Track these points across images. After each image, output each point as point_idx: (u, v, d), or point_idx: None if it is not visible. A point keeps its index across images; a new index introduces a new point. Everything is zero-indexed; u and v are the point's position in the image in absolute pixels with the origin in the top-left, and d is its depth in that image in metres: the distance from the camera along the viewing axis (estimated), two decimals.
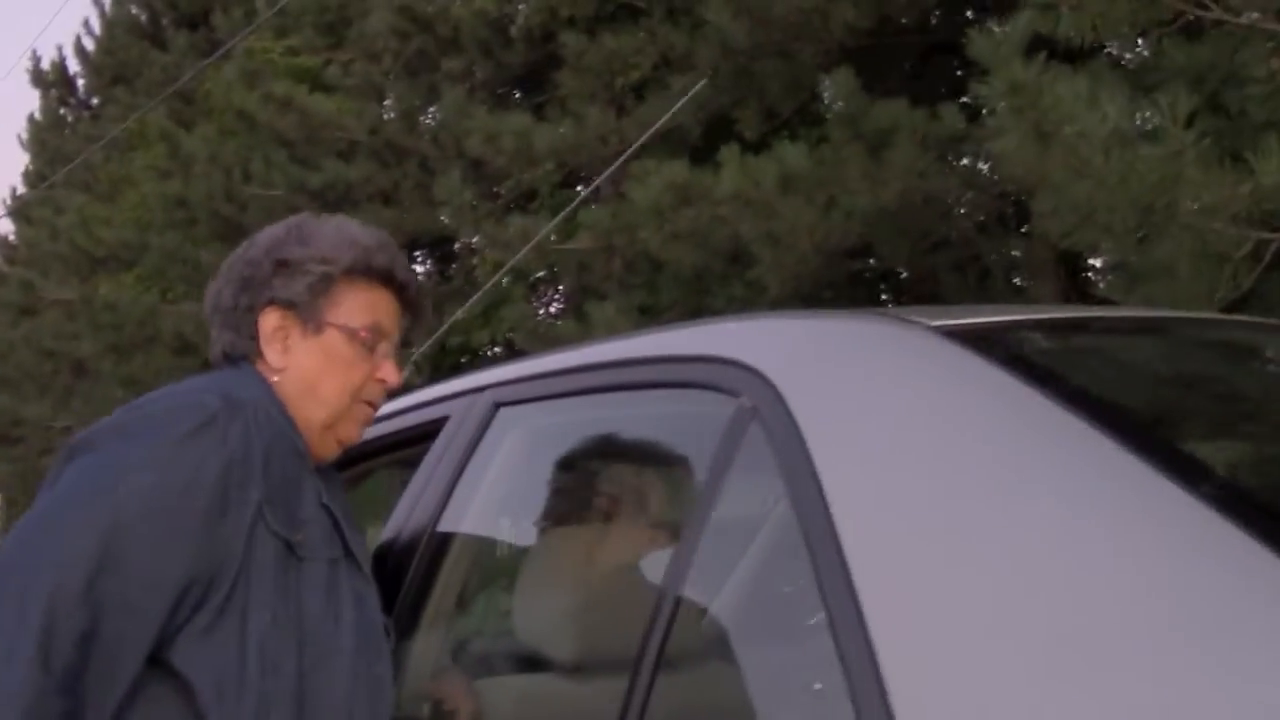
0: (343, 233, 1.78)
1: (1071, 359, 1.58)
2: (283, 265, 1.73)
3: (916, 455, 1.30)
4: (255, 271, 1.75)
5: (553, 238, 8.59)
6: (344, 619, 1.61)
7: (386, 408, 1.97)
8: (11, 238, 20.65)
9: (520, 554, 2.14)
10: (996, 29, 5.00)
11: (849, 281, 9.07)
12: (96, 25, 21.01)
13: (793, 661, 1.46)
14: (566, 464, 2.09)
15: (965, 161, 7.77)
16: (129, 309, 13.44)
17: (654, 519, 1.94)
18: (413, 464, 2.18)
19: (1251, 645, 1.00)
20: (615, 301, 8.65)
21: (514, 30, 10.74)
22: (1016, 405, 1.28)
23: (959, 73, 9.07)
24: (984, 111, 7.11)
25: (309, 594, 1.58)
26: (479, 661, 2.07)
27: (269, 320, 1.73)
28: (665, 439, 1.93)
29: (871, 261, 9.30)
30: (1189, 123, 4.60)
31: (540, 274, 12.05)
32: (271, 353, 1.73)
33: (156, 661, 1.49)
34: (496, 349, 12.43)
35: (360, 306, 1.76)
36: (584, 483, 2.07)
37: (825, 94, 9.90)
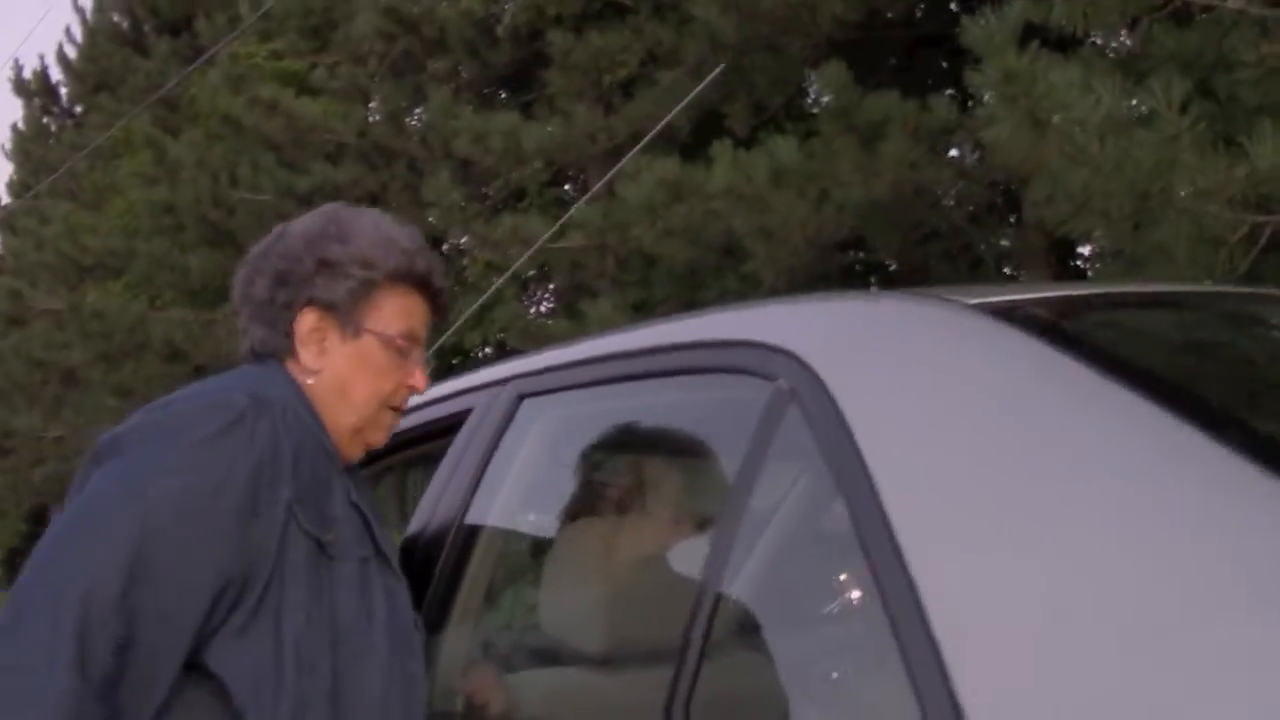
0: (383, 233, 1.74)
1: (1113, 333, 1.59)
2: (324, 265, 1.71)
3: (964, 433, 1.30)
4: (294, 267, 1.72)
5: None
6: (376, 618, 1.60)
7: None
8: None
9: (550, 547, 2.13)
10: (989, 18, 5.00)
11: (841, 274, 9.08)
12: (78, 33, 20.91)
13: (844, 647, 1.47)
14: (595, 454, 2.08)
15: (955, 152, 7.78)
16: (118, 317, 13.39)
17: (689, 507, 1.94)
18: (435, 458, 2.18)
19: None
20: (609, 299, 8.65)
21: (500, 30, 10.72)
22: (1064, 380, 1.29)
23: (945, 65, 9.11)
24: (975, 102, 7.14)
25: (341, 593, 1.58)
26: (509, 655, 2.06)
27: (307, 320, 1.71)
28: (698, 426, 1.93)
29: (863, 254, 9.32)
30: (1183, 108, 4.62)
31: (530, 273, 12.03)
32: (307, 353, 1.71)
33: (191, 664, 1.49)
34: (488, 349, 12.42)
35: (398, 313, 1.74)
36: (614, 473, 2.07)
37: (812, 88, 9.93)
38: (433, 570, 1.97)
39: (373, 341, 1.72)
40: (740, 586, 1.57)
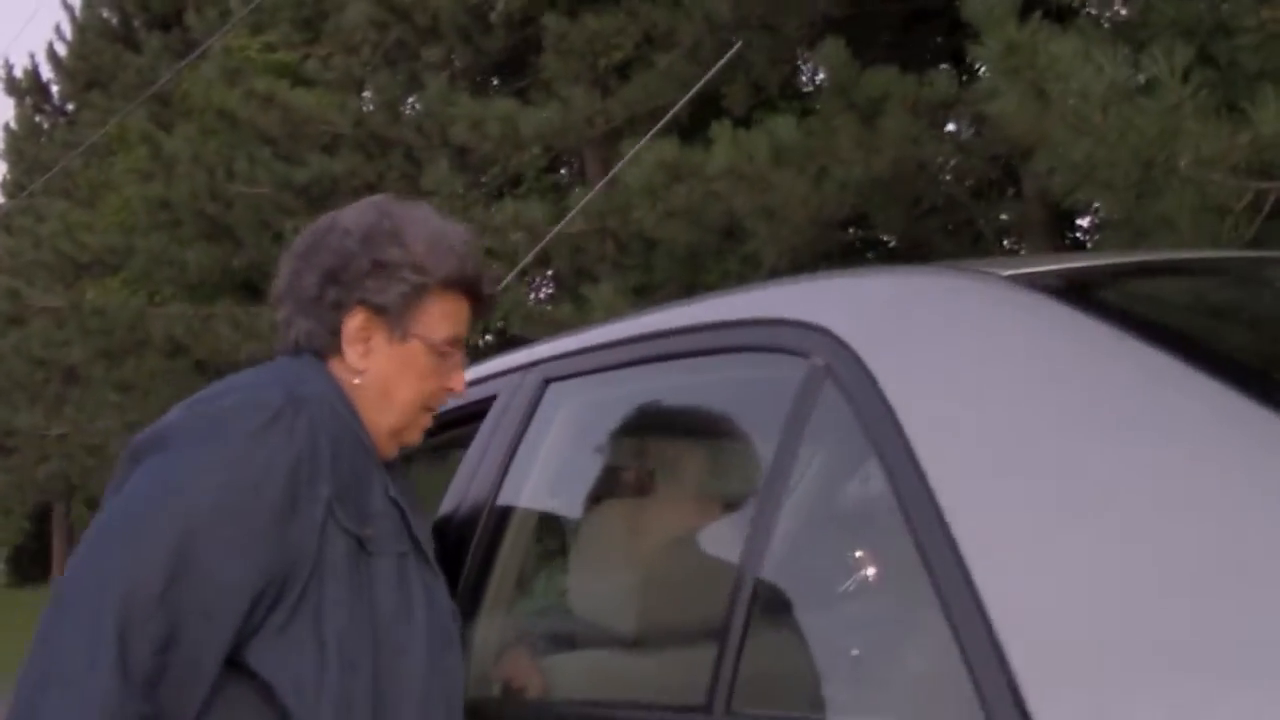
0: (437, 236, 1.72)
1: (1149, 299, 1.59)
2: (379, 266, 1.68)
3: (1005, 404, 1.31)
4: (348, 264, 1.69)
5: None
6: (415, 613, 1.60)
7: None
8: None
9: (583, 532, 2.13)
10: None
11: (842, 252, 9.08)
12: (68, 30, 20.86)
13: (891, 624, 1.47)
14: (625, 437, 2.08)
15: (955, 127, 7.78)
16: (117, 313, 13.38)
17: (725, 486, 1.94)
18: (459, 445, 2.18)
19: None
20: (610, 282, 8.65)
21: (494, 16, 10.70)
22: (1103, 349, 1.29)
23: (942, 39, 9.10)
24: (972, 76, 7.12)
25: (381, 590, 1.57)
26: (544, 640, 2.07)
27: (355, 320, 1.69)
28: (730, 405, 1.93)
29: (864, 231, 9.31)
30: (1185, 76, 4.61)
31: (527, 259, 12.02)
32: (353, 353, 1.69)
33: (232, 663, 1.49)
34: (488, 337, 12.42)
35: (444, 317, 1.73)
36: (646, 455, 2.07)
37: (808, 67, 9.91)
38: (464, 556, 1.97)
39: (419, 346, 1.71)
40: (782, 565, 1.57)
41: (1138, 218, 5.34)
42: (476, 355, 2.21)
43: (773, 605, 1.57)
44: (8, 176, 21.80)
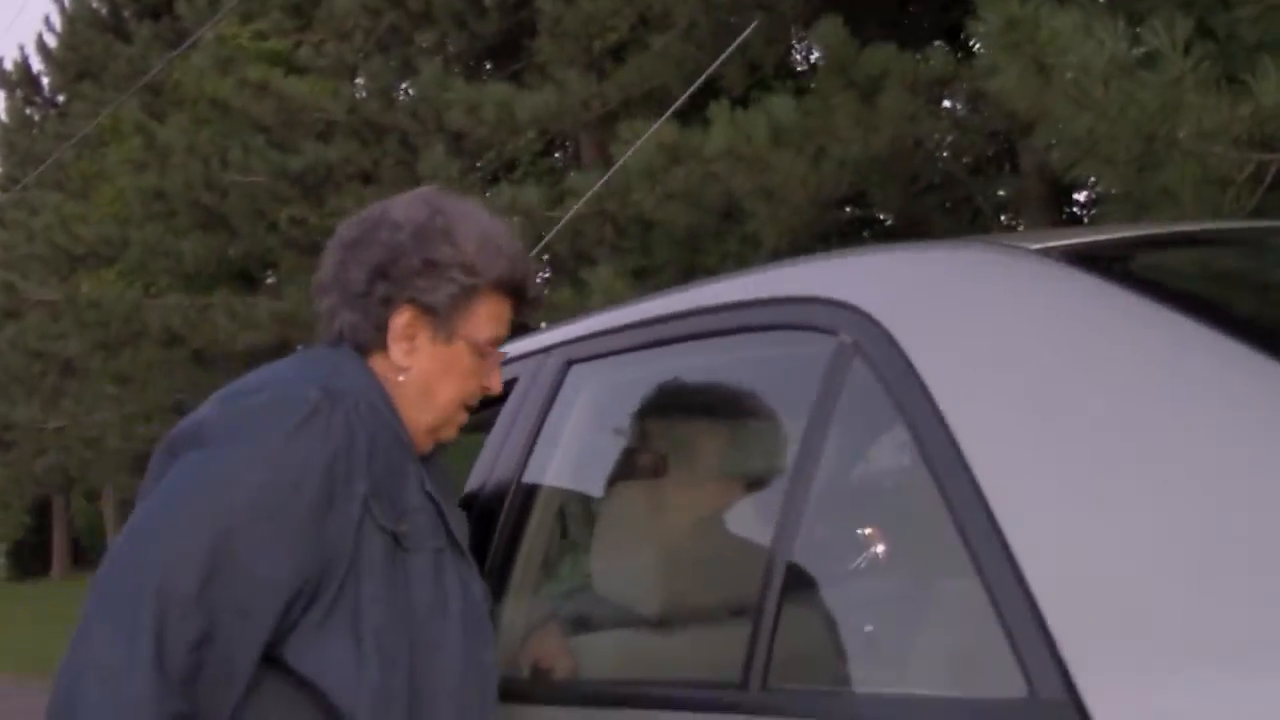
0: (487, 236, 1.71)
1: (1177, 270, 1.60)
2: (430, 265, 1.67)
3: (1039, 376, 1.31)
4: (398, 260, 1.68)
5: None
6: (451, 609, 1.60)
7: None
8: None
9: (611, 513, 2.13)
10: None
11: (841, 231, 9.08)
12: (57, 22, 20.78)
13: (931, 599, 1.48)
14: (651, 418, 2.08)
15: (954, 104, 7.77)
16: (114, 305, 13.35)
17: (755, 465, 1.94)
18: (481, 429, 2.19)
19: None
20: (609, 266, 8.64)
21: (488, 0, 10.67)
22: (1135, 319, 1.30)
23: (937, 15, 9.08)
24: (968, 52, 7.11)
25: (416, 586, 1.57)
26: (573, 621, 2.07)
27: (402, 317, 1.68)
28: (757, 384, 1.93)
29: (864, 209, 9.31)
30: (1186, 49, 4.61)
31: (538, 248, 12.02)
32: (398, 350, 1.69)
33: (269, 659, 1.49)
34: None
35: (490, 319, 1.73)
36: (672, 435, 2.07)
37: (802, 45, 9.89)
38: (489, 540, 1.97)
39: (464, 347, 1.71)
40: (814, 542, 1.58)
41: (1139, 191, 5.34)
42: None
43: (806, 582, 1.58)
44: (0, 170, 21.73)
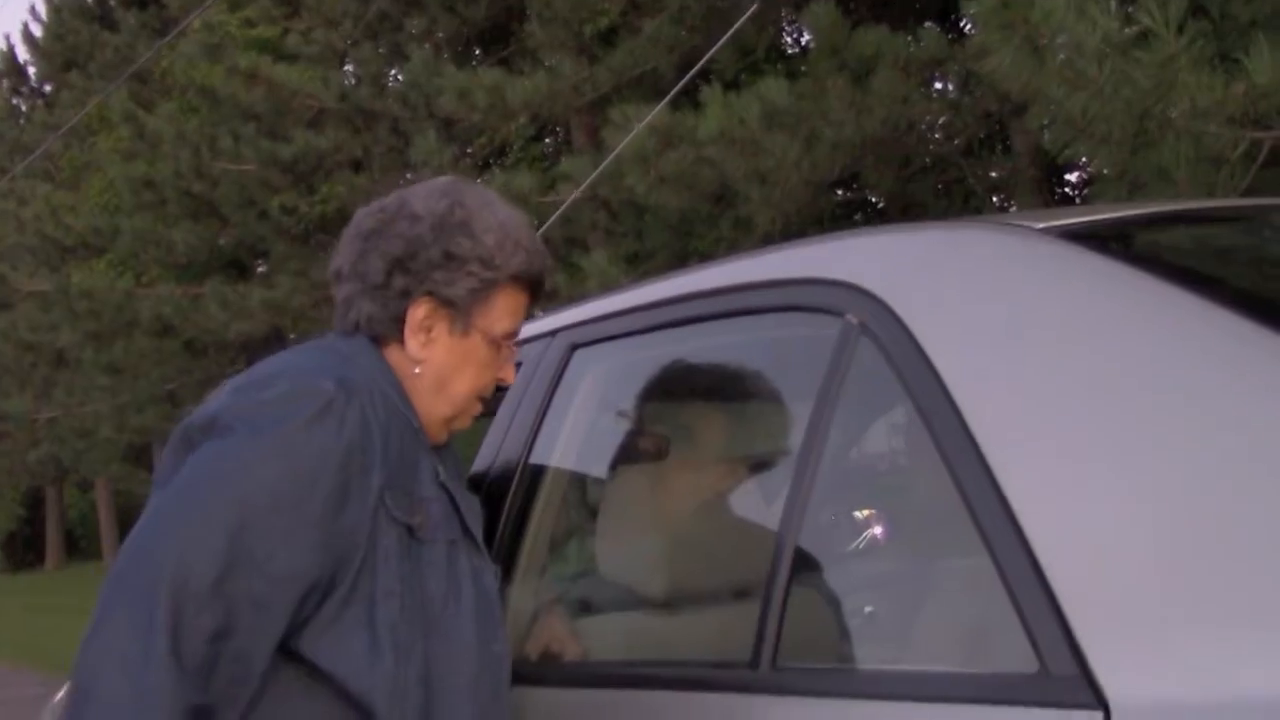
0: (505, 229, 1.71)
1: (1181, 248, 1.60)
2: (450, 258, 1.67)
3: (1045, 354, 1.32)
4: (418, 252, 1.67)
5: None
6: (464, 600, 1.60)
7: None
8: None
9: (617, 495, 2.14)
10: None
11: (834, 214, 9.09)
12: (43, 10, 20.67)
13: (940, 576, 1.48)
14: (656, 400, 2.08)
15: (946, 85, 7.78)
16: (105, 295, 13.33)
17: (761, 446, 1.95)
18: (484, 413, 2.19)
19: None
20: (603, 250, 8.64)
21: None
22: (1142, 297, 1.30)
23: None
24: (963, 31, 7.10)
25: (430, 577, 1.58)
26: (582, 604, 2.08)
27: (420, 309, 1.68)
28: (764, 365, 1.93)
29: (856, 192, 9.32)
30: (1180, 28, 4.61)
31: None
32: (414, 342, 1.68)
33: (285, 651, 1.49)
34: None
35: (506, 312, 1.72)
36: (678, 417, 2.07)
37: (792, 28, 9.88)
38: (495, 523, 1.98)
39: (480, 340, 1.71)
40: (823, 521, 1.58)
41: (1133, 170, 5.35)
42: None
43: (816, 561, 1.59)
44: None
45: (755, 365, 1.96)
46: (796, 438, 1.59)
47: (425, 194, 1.73)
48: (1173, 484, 1.19)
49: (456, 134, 11.14)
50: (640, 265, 9.03)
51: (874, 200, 10.01)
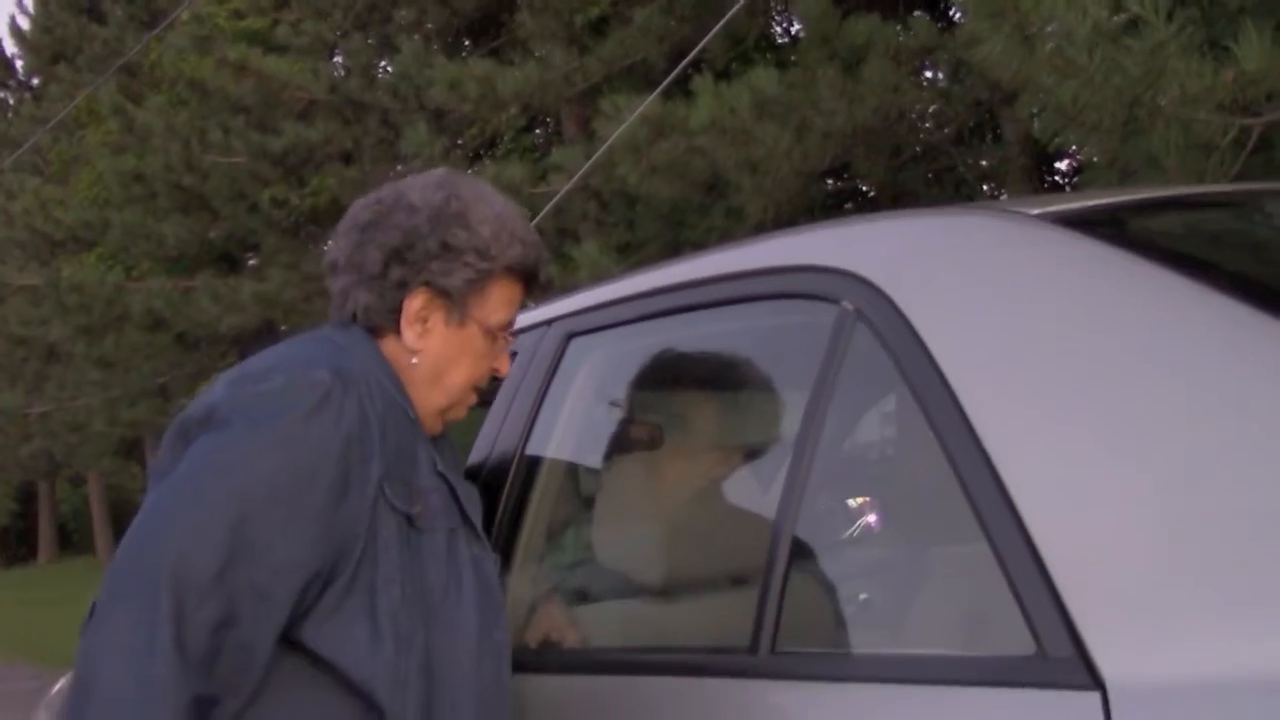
0: (501, 220, 1.72)
1: (1176, 233, 1.61)
2: (446, 249, 1.68)
3: (1041, 339, 1.33)
4: (415, 243, 1.69)
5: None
6: (465, 589, 1.61)
7: None
8: None
9: (615, 484, 2.14)
10: None
11: (825, 203, 9.10)
12: (30, 3, 20.58)
13: (939, 563, 1.49)
14: (653, 389, 2.09)
15: (936, 74, 7.78)
16: (96, 289, 13.29)
17: (758, 433, 1.96)
18: (481, 403, 2.20)
19: None
20: (593, 241, 8.65)
21: None
22: (1137, 281, 1.31)
23: None
24: (952, 20, 7.11)
25: (430, 566, 1.59)
26: (581, 593, 2.09)
27: (417, 300, 1.69)
28: (760, 352, 1.94)
29: (847, 181, 9.33)
30: (1169, 15, 4.62)
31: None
32: (411, 333, 1.70)
33: (287, 641, 1.50)
34: None
35: (502, 303, 1.74)
36: (675, 406, 2.08)
37: (782, 17, 9.87)
38: (493, 513, 1.98)
39: (476, 330, 1.72)
40: (821, 507, 1.59)
41: (1123, 158, 5.37)
42: None
43: (814, 547, 1.60)
44: None
45: (752, 352, 1.97)
46: (794, 424, 1.60)
47: (421, 186, 1.74)
48: (1170, 467, 1.20)
49: (447, 125, 11.13)
50: (632, 255, 9.03)
51: (865, 189, 10.02)
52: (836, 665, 1.49)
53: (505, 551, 1.97)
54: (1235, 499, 1.15)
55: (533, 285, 1.78)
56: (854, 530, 1.67)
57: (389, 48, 11.72)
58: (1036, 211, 1.48)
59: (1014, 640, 1.21)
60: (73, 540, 31.05)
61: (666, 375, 2.07)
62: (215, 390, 1.59)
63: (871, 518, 1.68)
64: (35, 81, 21.68)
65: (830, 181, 9.53)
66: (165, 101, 13.55)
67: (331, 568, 1.51)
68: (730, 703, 1.53)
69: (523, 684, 1.75)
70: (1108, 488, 1.22)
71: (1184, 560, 1.16)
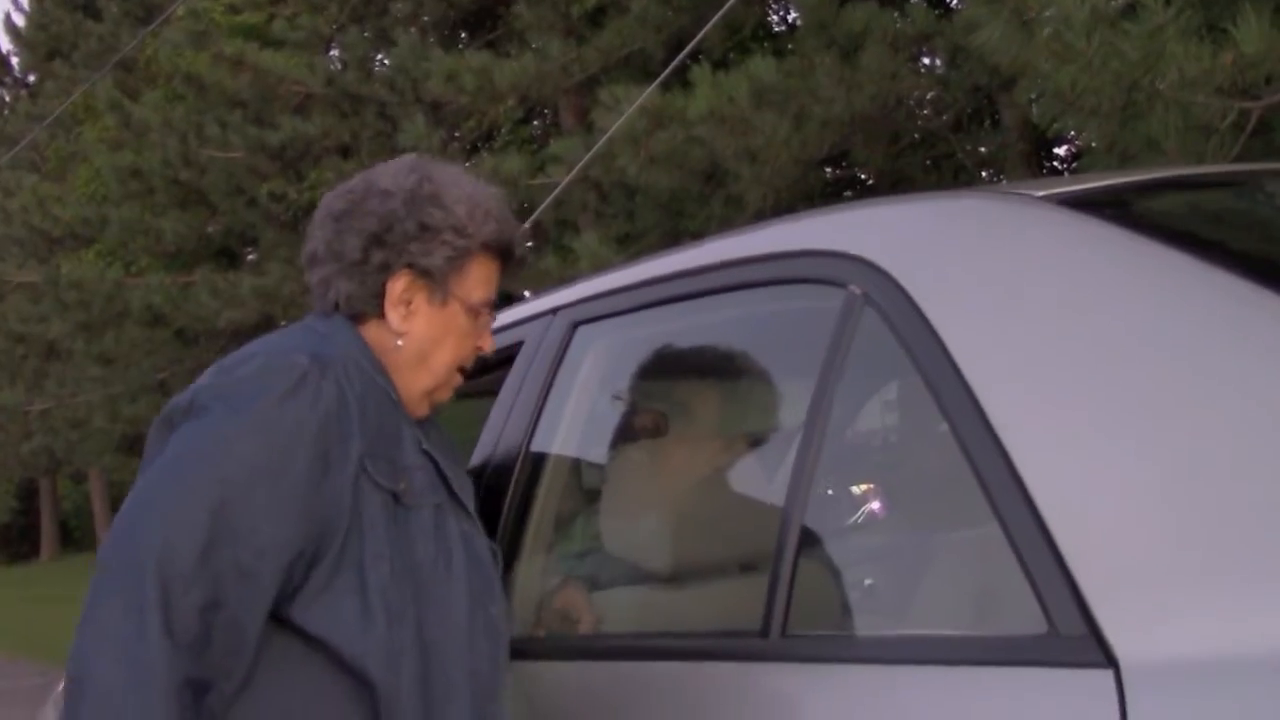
0: (476, 200, 1.74)
1: (1183, 213, 1.62)
2: (424, 229, 1.70)
3: (1050, 319, 1.34)
4: (393, 225, 1.70)
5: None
6: (454, 563, 1.63)
7: None
8: None
9: (624, 472, 2.15)
10: None
11: (824, 191, 9.10)
12: (25, 0, 20.54)
13: (948, 542, 1.50)
14: (660, 376, 2.09)
15: (934, 60, 7.78)
16: (95, 286, 13.30)
17: (765, 419, 1.96)
18: (484, 393, 2.20)
19: None
20: (594, 232, 8.65)
21: None
22: (1143, 261, 1.32)
23: None
24: (949, 6, 7.11)
25: (418, 541, 1.60)
26: (591, 580, 2.09)
27: (400, 282, 1.71)
28: (767, 338, 1.95)
29: (842, 169, 9.32)
30: None
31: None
32: (395, 315, 1.71)
33: (280, 621, 1.52)
34: None
35: (481, 280, 1.75)
36: (682, 392, 2.08)
37: (780, 5, 9.86)
38: (501, 502, 1.99)
39: (458, 308, 1.74)
40: (831, 491, 1.60)
41: (1122, 142, 5.37)
42: None
43: (823, 531, 1.60)
44: None
45: (760, 338, 1.97)
46: (802, 409, 1.61)
47: (392, 172, 1.76)
48: (1178, 445, 1.21)
49: (444, 118, 11.12)
50: (631, 245, 9.03)
51: (863, 177, 10.02)
52: (847, 648, 1.50)
53: (513, 540, 1.98)
54: (1245, 476, 1.16)
55: (509, 262, 1.80)
56: (862, 514, 1.68)
57: (385, 41, 11.70)
58: (1042, 193, 1.49)
59: (1026, 620, 1.22)
60: (75, 537, 31.07)
61: (674, 362, 2.07)
62: (199, 380, 1.61)
63: (879, 502, 1.69)
64: (31, 78, 21.64)
65: (829, 169, 9.53)
66: (162, 97, 13.53)
67: (316, 547, 1.53)
68: (742, 686, 1.53)
69: (537, 671, 1.76)
70: (1118, 467, 1.23)
71: (1195, 537, 1.16)
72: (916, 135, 8.58)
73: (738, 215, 8.06)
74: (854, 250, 1.56)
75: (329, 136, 11.70)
